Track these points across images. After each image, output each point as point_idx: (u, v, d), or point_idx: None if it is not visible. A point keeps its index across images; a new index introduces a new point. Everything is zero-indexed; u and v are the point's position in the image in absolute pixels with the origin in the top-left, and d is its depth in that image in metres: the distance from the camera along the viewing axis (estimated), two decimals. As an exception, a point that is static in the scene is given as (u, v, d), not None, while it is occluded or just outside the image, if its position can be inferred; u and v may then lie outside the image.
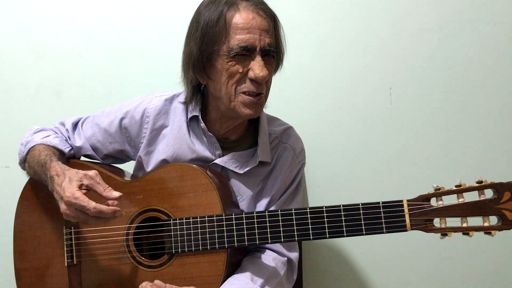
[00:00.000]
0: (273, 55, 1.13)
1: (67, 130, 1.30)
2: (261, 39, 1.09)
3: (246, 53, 1.09)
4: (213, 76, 1.13)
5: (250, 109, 1.12)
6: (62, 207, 1.03)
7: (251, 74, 1.09)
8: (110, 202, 1.03)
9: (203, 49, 1.10)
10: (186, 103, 1.23)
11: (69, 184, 1.04)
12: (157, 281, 1.08)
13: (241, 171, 1.20)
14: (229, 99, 1.12)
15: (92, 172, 1.06)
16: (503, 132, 1.53)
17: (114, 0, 1.59)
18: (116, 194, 1.03)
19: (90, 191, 1.04)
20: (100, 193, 1.04)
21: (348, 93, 1.56)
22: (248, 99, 1.11)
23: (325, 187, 1.57)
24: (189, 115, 1.22)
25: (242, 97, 1.11)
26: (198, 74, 1.15)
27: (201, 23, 1.11)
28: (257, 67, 1.08)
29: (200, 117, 1.20)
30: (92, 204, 1.00)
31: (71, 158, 1.28)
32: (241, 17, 1.08)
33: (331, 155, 1.56)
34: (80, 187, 1.04)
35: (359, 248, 1.56)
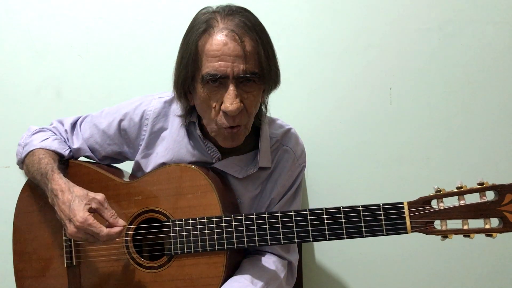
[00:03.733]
0: (253, 79, 1.05)
1: (65, 130, 1.29)
2: (234, 66, 1.01)
3: (220, 81, 1.03)
4: (196, 101, 1.11)
5: (228, 141, 1.10)
6: (71, 229, 1.04)
7: (223, 106, 1.03)
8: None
9: (187, 71, 1.06)
10: (182, 116, 1.21)
11: (79, 207, 1.04)
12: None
13: (241, 176, 1.19)
14: (210, 127, 1.10)
15: (100, 197, 1.07)
16: (504, 133, 1.53)
17: (114, 0, 1.58)
18: (122, 223, 1.07)
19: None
20: (107, 219, 1.06)
21: (348, 93, 1.56)
22: (225, 132, 1.07)
23: (325, 188, 1.56)
24: (187, 120, 1.20)
25: (221, 129, 1.07)
26: (187, 96, 1.13)
27: (182, 50, 1.08)
28: (227, 99, 1.02)
29: (196, 123, 1.19)
30: (104, 232, 1.02)
31: (69, 159, 1.27)
32: (213, 43, 1.02)
33: (331, 156, 1.56)
34: (89, 210, 1.05)
35: (359, 249, 1.56)
